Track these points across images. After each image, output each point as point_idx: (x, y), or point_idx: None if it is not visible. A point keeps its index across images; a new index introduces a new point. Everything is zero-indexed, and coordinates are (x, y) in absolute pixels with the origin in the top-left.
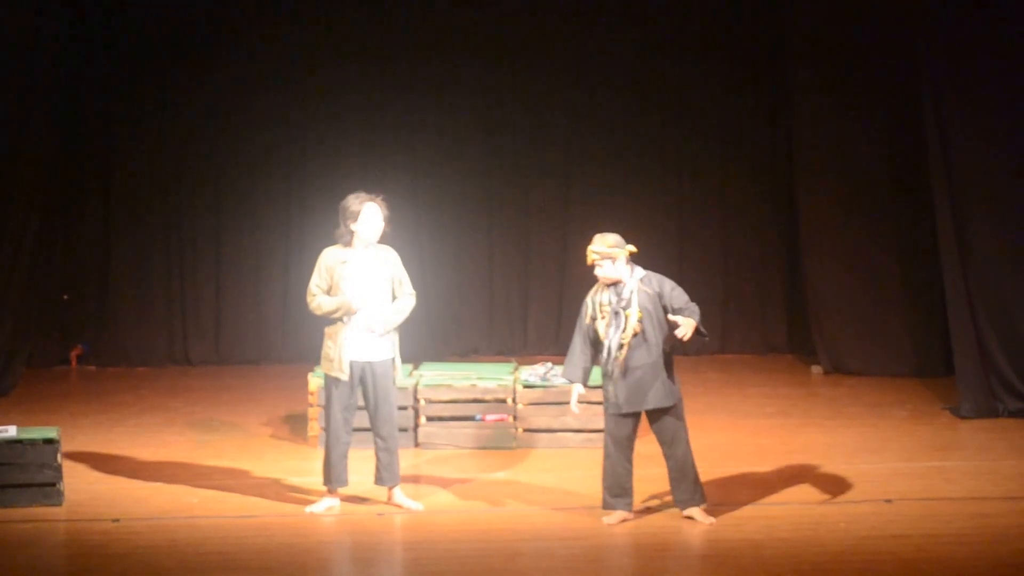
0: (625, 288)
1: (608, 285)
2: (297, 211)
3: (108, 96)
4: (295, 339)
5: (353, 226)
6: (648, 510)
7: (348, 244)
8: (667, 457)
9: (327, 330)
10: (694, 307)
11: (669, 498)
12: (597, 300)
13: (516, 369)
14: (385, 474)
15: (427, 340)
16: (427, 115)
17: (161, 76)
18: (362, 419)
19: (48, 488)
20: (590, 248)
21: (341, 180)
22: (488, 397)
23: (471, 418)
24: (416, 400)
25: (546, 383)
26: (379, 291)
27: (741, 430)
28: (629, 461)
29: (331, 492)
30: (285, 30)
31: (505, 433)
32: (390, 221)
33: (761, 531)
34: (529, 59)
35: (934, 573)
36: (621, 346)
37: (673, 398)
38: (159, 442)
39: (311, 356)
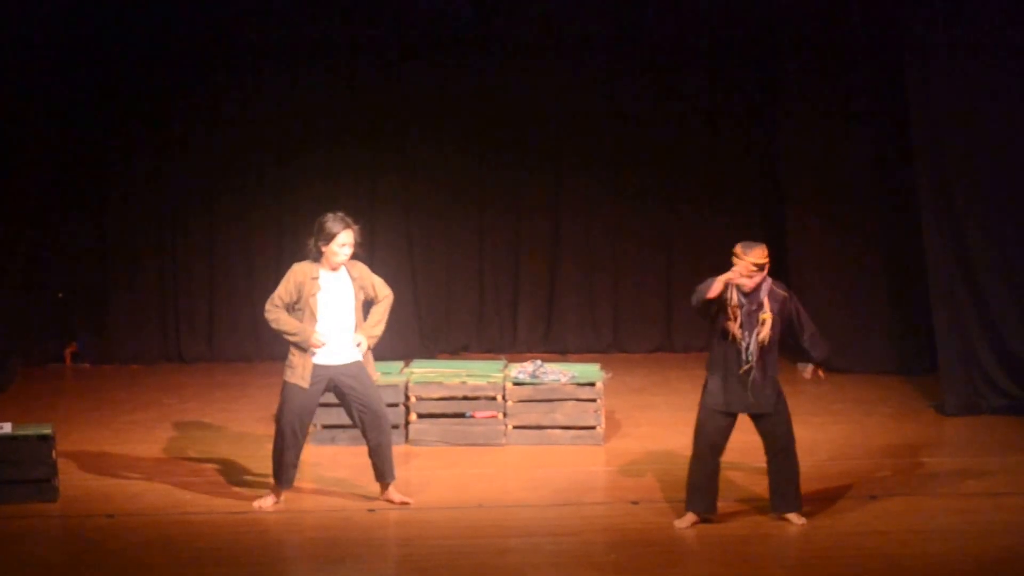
0: (760, 291)
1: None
2: (289, 209)
3: (103, 97)
4: None
5: (324, 247)
6: (638, 507)
7: (317, 261)
8: (772, 462)
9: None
10: (819, 339)
11: (652, 497)
12: (727, 298)
13: (506, 366)
14: (377, 470)
15: (417, 338)
16: (418, 115)
17: (155, 78)
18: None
19: (43, 484)
20: (749, 259)
21: (333, 180)
22: (478, 394)
23: (461, 415)
24: (407, 397)
25: (535, 380)
26: (350, 315)
27: None
28: (718, 463)
29: (277, 489)
30: (281, 34)
31: (495, 430)
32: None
33: (747, 527)
34: (520, 60)
35: (919, 569)
36: (758, 347)
37: (783, 403)
38: (153, 439)
39: None
